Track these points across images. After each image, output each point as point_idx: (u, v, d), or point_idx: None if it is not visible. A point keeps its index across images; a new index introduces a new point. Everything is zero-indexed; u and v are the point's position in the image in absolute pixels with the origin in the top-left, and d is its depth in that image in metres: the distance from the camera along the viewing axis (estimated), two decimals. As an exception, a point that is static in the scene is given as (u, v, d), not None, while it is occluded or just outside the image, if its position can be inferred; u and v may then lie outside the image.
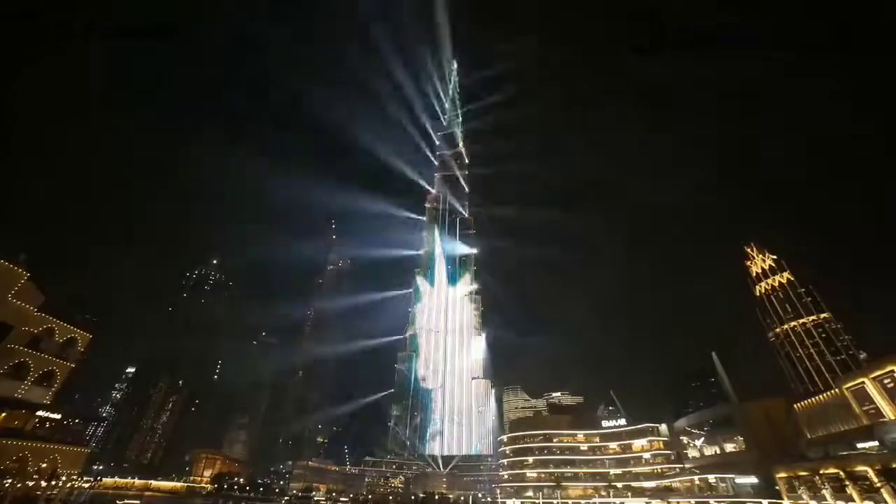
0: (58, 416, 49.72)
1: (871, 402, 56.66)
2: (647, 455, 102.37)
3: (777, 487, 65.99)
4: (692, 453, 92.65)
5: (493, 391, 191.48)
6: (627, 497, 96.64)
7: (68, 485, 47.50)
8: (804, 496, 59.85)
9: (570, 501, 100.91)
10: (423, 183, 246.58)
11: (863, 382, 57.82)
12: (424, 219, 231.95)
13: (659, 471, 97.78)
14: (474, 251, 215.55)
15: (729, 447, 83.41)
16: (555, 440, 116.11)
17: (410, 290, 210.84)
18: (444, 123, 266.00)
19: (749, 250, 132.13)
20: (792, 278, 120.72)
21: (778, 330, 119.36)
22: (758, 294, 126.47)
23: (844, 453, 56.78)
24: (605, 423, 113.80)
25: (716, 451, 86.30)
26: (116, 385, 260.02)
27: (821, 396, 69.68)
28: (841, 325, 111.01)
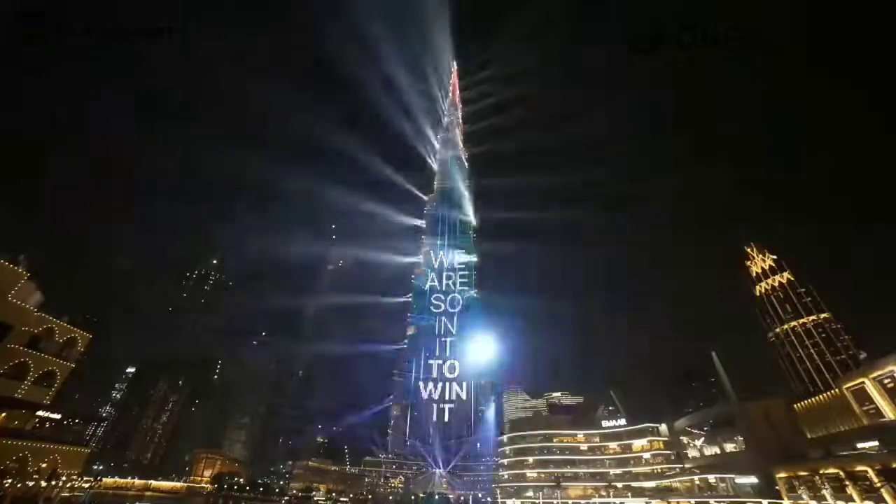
0: (58, 416, 49.74)
1: (871, 402, 56.75)
2: (647, 455, 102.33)
3: (777, 487, 65.99)
4: (692, 453, 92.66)
5: (493, 391, 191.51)
6: (627, 497, 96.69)
7: (68, 485, 47.46)
8: (804, 496, 59.86)
9: (570, 501, 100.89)
10: (425, 177, 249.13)
11: (863, 382, 57.91)
12: (425, 217, 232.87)
13: (659, 471, 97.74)
14: (474, 255, 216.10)
15: (729, 447, 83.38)
16: (555, 440, 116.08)
17: (410, 288, 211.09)
18: (444, 126, 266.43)
19: (749, 250, 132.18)
20: (792, 278, 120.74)
21: (778, 330, 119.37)
22: (758, 294, 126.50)
23: (844, 453, 56.83)
24: (605, 423, 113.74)
25: (716, 451, 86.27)
26: (116, 385, 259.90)
27: (821, 396, 69.79)
28: (841, 325, 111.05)
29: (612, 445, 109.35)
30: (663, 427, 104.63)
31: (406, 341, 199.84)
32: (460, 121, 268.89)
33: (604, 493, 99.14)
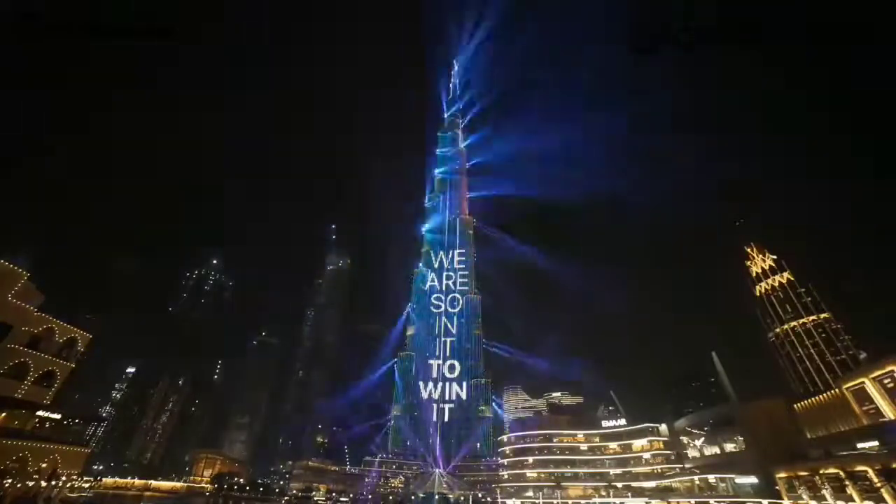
0: (58, 416, 49.61)
1: (871, 402, 56.63)
2: (647, 455, 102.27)
3: (777, 487, 66.00)
4: (692, 453, 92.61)
5: (493, 391, 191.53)
6: (627, 497, 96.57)
7: (68, 485, 47.44)
8: (804, 496, 59.83)
9: (570, 501, 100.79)
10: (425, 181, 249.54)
11: (863, 382, 57.79)
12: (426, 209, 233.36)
13: (659, 471, 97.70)
14: (473, 255, 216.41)
15: (729, 447, 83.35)
16: (555, 440, 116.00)
17: (409, 289, 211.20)
18: (445, 123, 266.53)
19: (749, 250, 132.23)
20: (792, 278, 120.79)
21: (778, 330, 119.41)
22: (758, 294, 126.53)
23: (844, 453, 56.73)
24: (605, 423, 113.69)
25: (716, 451, 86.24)
26: (116, 385, 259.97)
27: (821, 396, 69.65)
28: (841, 325, 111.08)
29: (612, 445, 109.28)
30: (663, 427, 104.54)
31: (406, 341, 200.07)
32: (460, 120, 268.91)
33: (604, 493, 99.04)
